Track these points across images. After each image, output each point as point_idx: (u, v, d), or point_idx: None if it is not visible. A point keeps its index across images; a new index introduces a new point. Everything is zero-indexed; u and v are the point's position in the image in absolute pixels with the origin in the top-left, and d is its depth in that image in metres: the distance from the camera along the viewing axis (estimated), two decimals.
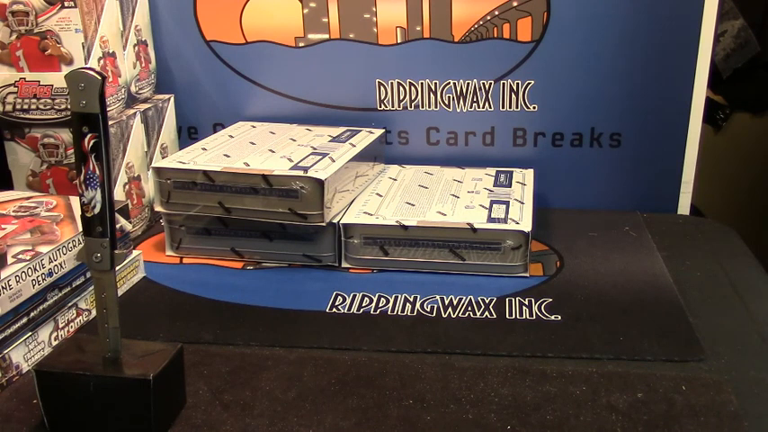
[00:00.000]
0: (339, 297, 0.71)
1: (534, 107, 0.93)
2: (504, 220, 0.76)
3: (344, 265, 0.78)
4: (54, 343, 0.62)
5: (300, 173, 0.74)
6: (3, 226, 0.65)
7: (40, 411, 0.51)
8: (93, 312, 0.67)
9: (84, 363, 0.51)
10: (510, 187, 0.85)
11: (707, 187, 0.97)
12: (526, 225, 0.75)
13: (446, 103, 0.94)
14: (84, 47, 0.78)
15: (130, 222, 0.73)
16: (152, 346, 0.54)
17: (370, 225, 0.77)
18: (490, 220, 0.76)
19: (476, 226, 0.75)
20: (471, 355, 0.62)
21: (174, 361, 0.52)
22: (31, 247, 0.61)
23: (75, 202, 0.71)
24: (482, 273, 0.75)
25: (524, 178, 0.88)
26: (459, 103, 0.94)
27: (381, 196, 0.84)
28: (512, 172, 0.91)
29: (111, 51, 0.83)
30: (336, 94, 0.96)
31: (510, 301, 0.70)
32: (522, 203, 0.80)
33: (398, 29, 0.92)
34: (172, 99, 0.96)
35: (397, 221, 0.76)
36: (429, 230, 0.76)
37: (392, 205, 0.81)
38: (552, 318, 0.67)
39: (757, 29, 1.21)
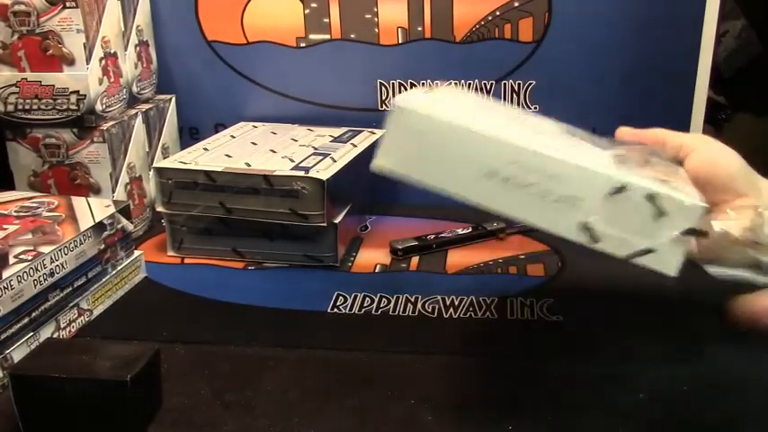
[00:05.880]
0: (340, 297, 0.71)
1: (535, 107, 0.93)
2: None
3: None
4: None
5: (301, 173, 0.74)
6: (4, 226, 0.65)
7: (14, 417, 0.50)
8: (95, 312, 0.67)
9: (60, 365, 0.50)
10: None
11: None
12: None
13: None
14: (85, 47, 0.78)
15: (132, 223, 0.73)
16: (128, 347, 0.54)
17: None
18: None
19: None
20: (472, 355, 0.62)
21: (151, 362, 0.51)
22: (32, 248, 0.61)
23: (76, 202, 0.71)
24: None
25: None
26: None
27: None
28: None
29: (112, 52, 0.83)
30: (338, 94, 0.96)
31: (511, 302, 0.70)
32: None
33: (400, 29, 0.92)
34: (173, 99, 0.97)
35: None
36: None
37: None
38: (554, 318, 0.67)
39: (759, 29, 1.21)
